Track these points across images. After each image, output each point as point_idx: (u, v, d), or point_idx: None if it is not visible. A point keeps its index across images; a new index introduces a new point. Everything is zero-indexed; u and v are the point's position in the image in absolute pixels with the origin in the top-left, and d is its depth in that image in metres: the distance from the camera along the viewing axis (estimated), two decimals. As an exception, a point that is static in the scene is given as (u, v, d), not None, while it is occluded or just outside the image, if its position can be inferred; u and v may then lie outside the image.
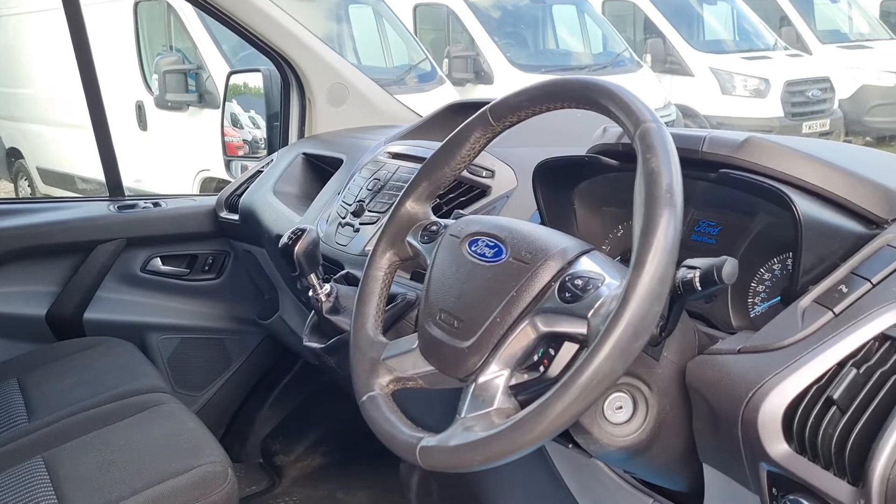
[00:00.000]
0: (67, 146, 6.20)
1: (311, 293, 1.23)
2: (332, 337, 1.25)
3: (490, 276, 0.85)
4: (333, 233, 1.47)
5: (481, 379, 0.82)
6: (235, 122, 2.84)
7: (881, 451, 0.68)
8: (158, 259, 2.18)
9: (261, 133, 3.22)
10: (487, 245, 0.88)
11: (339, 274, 1.34)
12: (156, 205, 2.18)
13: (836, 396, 0.74)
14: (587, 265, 0.81)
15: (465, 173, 1.27)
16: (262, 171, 2.13)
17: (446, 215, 1.07)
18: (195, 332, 2.24)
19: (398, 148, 1.55)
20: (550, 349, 0.81)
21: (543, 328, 0.79)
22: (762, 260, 0.99)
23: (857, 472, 0.71)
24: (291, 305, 2.02)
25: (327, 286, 1.23)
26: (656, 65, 8.85)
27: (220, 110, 4.86)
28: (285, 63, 2.16)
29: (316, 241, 1.20)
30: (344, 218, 1.47)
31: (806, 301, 0.84)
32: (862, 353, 0.77)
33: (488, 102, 1.73)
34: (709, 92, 8.79)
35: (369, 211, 1.41)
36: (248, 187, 2.10)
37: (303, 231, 1.19)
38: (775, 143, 0.91)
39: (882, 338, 0.77)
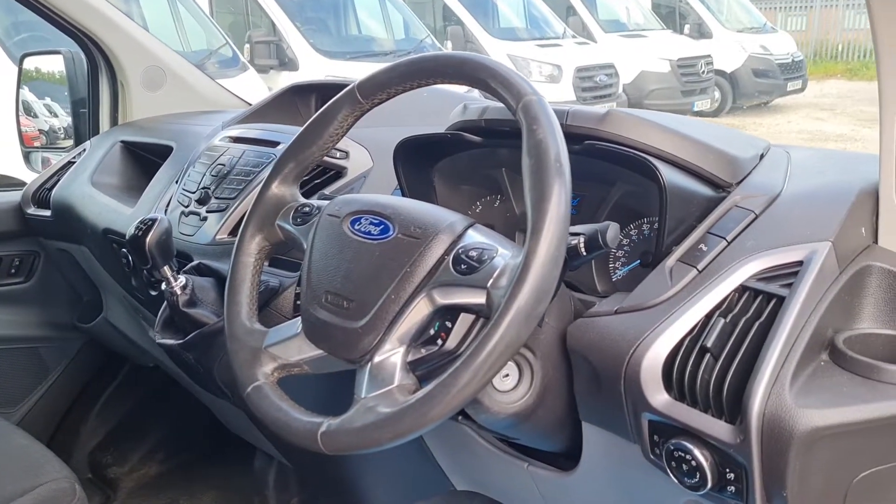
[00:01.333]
0: None
1: (164, 286, 1.15)
2: (187, 331, 1.18)
3: (378, 253, 0.84)
4: (176, 222, 1.38)
5: (377, 358, 0.81)
6: (28, 111, 2.59)
7: (755, 391, 0.75)
8: (-46, 264, 1.95)
9: (59, 122, 2.96)
10: (372, 223, 0.86)
11: (189, 265, 1.27)
12: (-52, 203, 1.94)
13: (709, 345, 0.81)
14: (476, 237, 0.82)
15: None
16: (73, 163, 1.95)
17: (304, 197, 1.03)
18: (4, 342, 2.02)
19: (239, 132, 1.48)
20: (447, 322, 0.82)
21: (440, 302, 0.80)
22: (623, 226, 1.05)
23: (734, 411, 0.78)
24: (119, 306, 1.88)
25: (182, 278, 1.15)
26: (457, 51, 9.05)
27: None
28: (93, 44, 1.99)
29: (169, 230, 1.12)
30: (187, 206, 1.38)
31: (671, 261, 0.90)
32: (726, 304, 0.84)
33: (331, 83, 1.70)
34: (507, 77, 9.10)
35: (216, 198, 1.34)
36: (59, 180, 1.92)
37: (153, 221, 1.11)
38: (634, 116, 0.97)
39: (741, 289, 0.84)
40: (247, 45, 7.51)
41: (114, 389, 2.19)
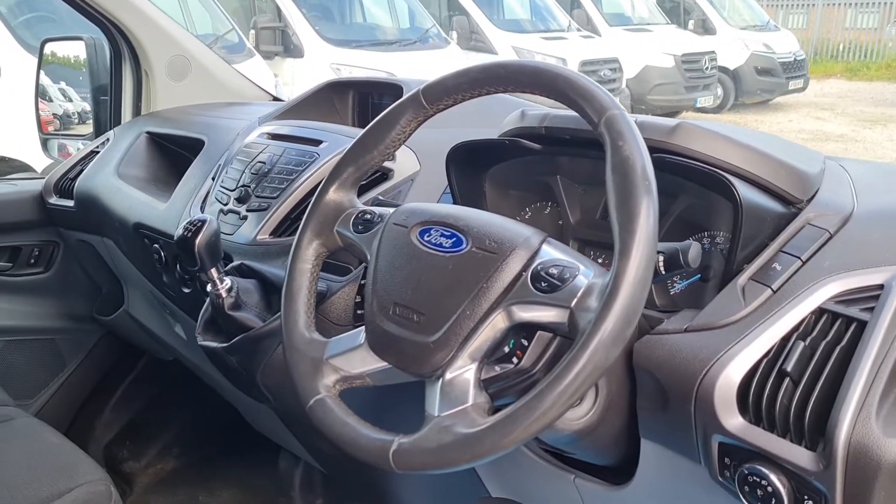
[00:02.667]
0: None
1: (209, 288, 1.13)
2: (231, 334, 1.15)
3: (452, 266, 0.81)
4: (214, 221, 1.35)
5: (449, 374, 0.79)
6: (43, 95, 2.55)
7: (841, 418, 0.74)
8: (-27, 253, 1.92)
9: (72, 106, 2.92)
10: (444, 235, 0.84)
11: (230, 266, 1.24)
12: (-33, 191, 1.91)
13: (788, 369, 0.79)
14: (552, 253, 0.80)
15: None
16: (97, 152, 1.92)
17: None
18: (21, 333, 1.99)
19: (278, 129, 1.45)
20: (522, 340, 0.80)
21: (518, 318, 0.78)
22: (680, 240, 1.03)
23: (814, 437, 0.77)
24: (141, 299, 1.86)
25: (227, 280, 1.13)
26: (462, 42, 9.03)
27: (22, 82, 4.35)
28: (118, 32, 1.96)
29: (217, 232, 1.10)
30: (226, 204, 1.35)
31: (743, 279, 0.88)
32: (803, 326, 0.83)
33: (369, 80, 1.67)
34: (511, 70, 9.06)
35: (257, 196, 1.31)
36: (83, 170, 1.89)
37: (203, 222, 1.08)
38: (705, 129, 0.95)
39: (819, 311, 0.83)
40: (252, 31, 7.44)
41: (130, 382, 2.17)
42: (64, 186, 1.91)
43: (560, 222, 1.17)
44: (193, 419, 2.12)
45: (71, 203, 1.86)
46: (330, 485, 1.70)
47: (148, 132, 1.86)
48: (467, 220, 0.84)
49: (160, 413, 2.15)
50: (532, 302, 0.77)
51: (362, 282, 1.10)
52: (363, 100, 1.61)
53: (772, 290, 0.86)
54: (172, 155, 1.82)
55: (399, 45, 8.14)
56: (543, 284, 0.76)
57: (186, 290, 1.43)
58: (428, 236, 0.85)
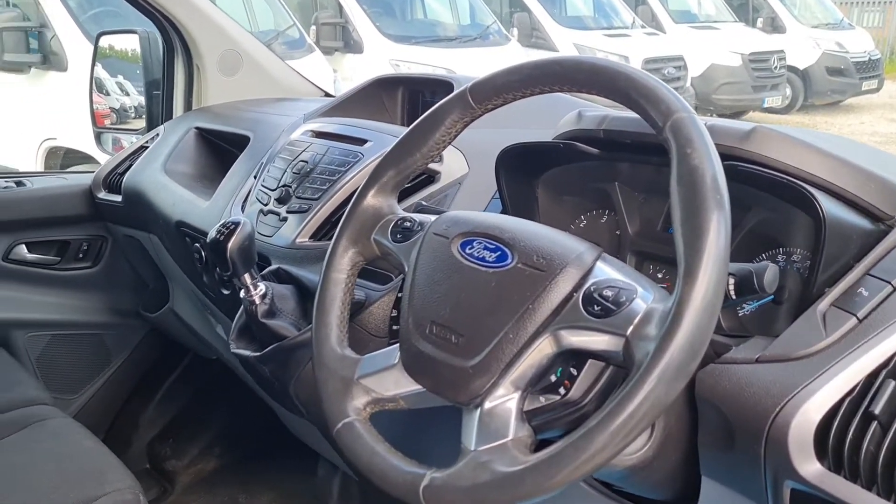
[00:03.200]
0: None
1: (242, 294, 1.07)
2: (264, 342, 1.10)
3: (495, 283, 0.74)
4: (254, 221, 1.30)
5: (489, 403, 0.72)
6: (101, 88, 2.56)
7: (941, 473, 0.64)
8: (23, 246, 1.91)
9: (129, 100, 2.94)
10: (487, 248, 0.76)
11: (267, 269, 1.19)
12: (19, 184, 1.90)
13: (876, 411, 0.69)
14: (607, 271, 0.72)
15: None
16: (146, 147, 1.90)
17: None
18: (68, 327, 1.99)
19: (323, 126, 1.39)
20: (571, 368, 0.72)
21: (567, 344, 0.70)
22: (751, 256, 0.94)
23: None
24: (185, 297, 1.83)
25: (261, 286, 1.07)
26: (522, 39, 8.92)
27: (65, 73, 4.44)
28: (170, 25, 1.93)
29: (251, 235, 1.04)
30: (266, 205, 1.30)
31: (824, 305, 0.78)
32: (893, 362, 0.73)
33: (419, 77, 1.60)
34: (572, 68, 8.94)
35: (297, 197, 1.25)
36: (131, 165, 1.86)
37: (236, 225, 1.03)
38: (783, 135, 0.85)
39: None
40: (313, 27, 7.46)
41: (174, 380, 2.15)
42: (112, 181, 1.89)
43: (617, 232, 1.08)
44: (235, 420, 2.09)
45: (119, 198, 1.84)
46: (368, 498, 1.64)
47: (197, 128, 1.82)
48: (513, 231, 0.76)
49: (202, 412, 2.12)
50: (583, 327, 0.69)
51: (399, 294, 1.03)
52: (413, 97, 1.54)
53: (857, 318, 0.76)
54: (220, 151, 1.78)
55: (459, 42, 8.08)
56: (596, 308, 0.68)
57: (226, 292, 1.38)
58: (470, 249, 0.78)
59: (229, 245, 1.01)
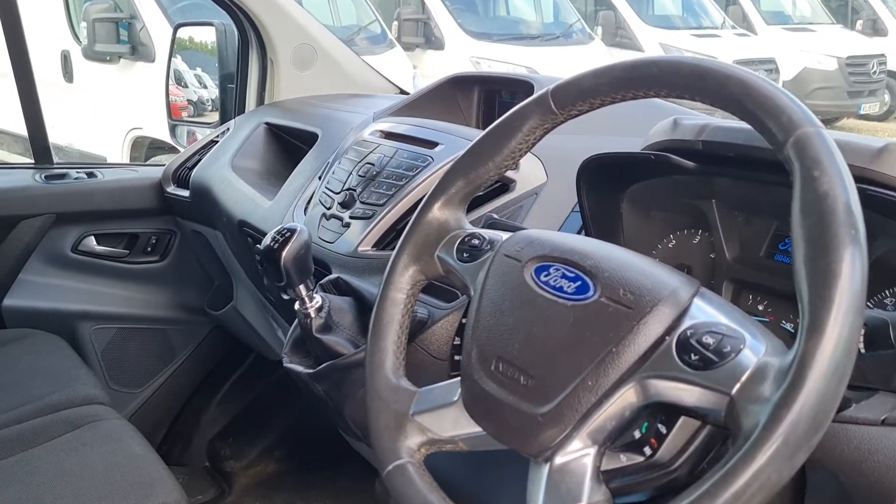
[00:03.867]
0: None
1: (297, 306, 1.00)
2: (319, 358, 1.02)
3: (573, 319, 0.63)
4: (316, 225, 1.23)
5: (560, 459, 0.62)
6: (179, 80, 2.55)
7: None
8: (93, 238, 1.90)
9: (207, 93, 2.93)
10: (565, 276, 0.66)
11: (326, 279, 1.11)
12: (90, 175, 1.89)
13: None
14: (706, 311, 0.61)
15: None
16: (216, 142, 1.86)
17: None
18: (134, 321, 1.97)
19: (393, 127, 1.31)
20: (659, 425, 0.61)
21: (655, 396, 0.59)
22: (872, 292, 0.81)
23: None
24: (248, 297, 1.78)
25: (318, 298, 1.00)
26: (607, 38, 8.72)
27: (153, 64, 4.50)
28: (245, 18, 1.89)
29: (308, 244, 0.96)
30: (329, 208, 1.23)
31: None
32: None
33: (496, 77, 1.50)
34: (658, 68, 8.72)
35: (362, 202, 1.18)
36: (200, 159, 1.83)
37: (291, 232, 0.95)
38: (923, 154, 0.72)
39: None
40: (395, 22, 7.44)
41: (237, 378, 2.11)
42: (181, 175, 1.86)
43: (711, 256, 0.96)
44: (295, 424, 2.04)
45: (186, 193, 1.81)
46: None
47: (267, 123, 1.77)
48: (597, 258, 0.66)
49: (264, 413, 2.08)
50: (677, 378, 0.58)
51: (464, 320, 0.94)
52: (489, 98, 1.44)
53: None
54: (289, 147, 1.73)
55: (541, 40, 7.95)
56: (694, 357, 0.57)
57: (286, 297, 1.32)
58: (545, 276, 0.68)
59: (283, 254, 0.94)
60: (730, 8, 10.13)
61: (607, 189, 0.97)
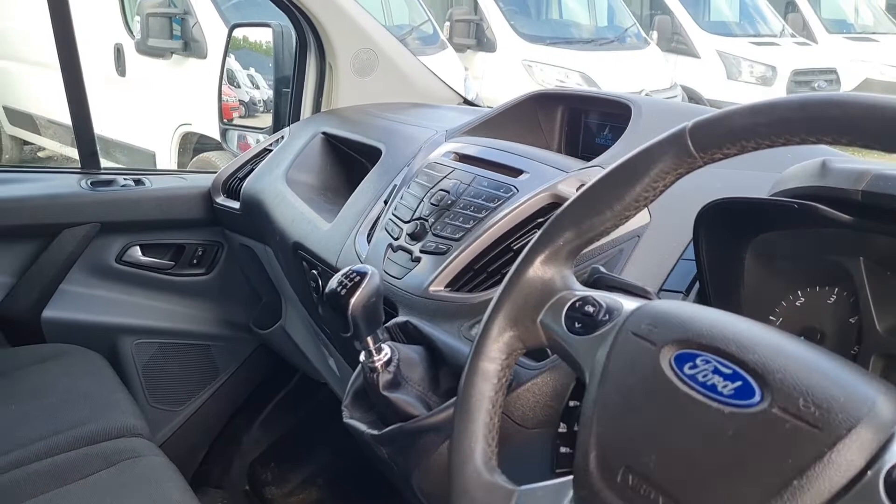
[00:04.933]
0: (39, 86, 5.71)
1: (363, 357, 0.87)
2: (384, 416, 0.90)
3: (733, 432, 0.50)
4: (381, 256, 1.11)
5: None
6: (232, 80, 2.45)
7: None
8: (138, 248, 1.80)
9: (259, 94, 2.83)
10: (718, 371, 0.52)
11: (392, 321, 0.99)
12: (138, 182, 1.79)
13: None
14: None
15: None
16: (270, 150, 1.75)
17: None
18: (177, 336, 1.87)
19: (467, 148, 1.18)
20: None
21: None
22: None
23: None
24: (298, 319, 1.67)
25: (386, 349, 0.87)
26: (662, 43, 8.52)
27: (204, 60, 4.45)
28: (305, 20, 1.78)
29: (379, 291, 0.84)
30: (396, 239, 1.10)
31: None
32: None
33: (583, 94, 1.36)
34: (714, 76, 8.54)
35: (434, 235, 1.05)
36: (252, 169, 1.72)
37: (361, 276, 0.83)
38: None
39: None
40: (447, 23, 7.33)
41: (281, 399, 2.00)
42: (232, 186, 1.75)
43: (851, 321, 0.81)
44: (340, 450, 1.92)
45: (237, 205, 1.70)
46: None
47: (324, 133, 1.66)
48: (763, 352, 0.52)
49: (308, 438, 1.97)
50: None
51: (572, 403, 0.80)
52: (574, 118, 1.30)
53: None
54: (349, 161, 1.61)
55: (595, 45, 7.77)
56: None
57: (345, 335, 1.20)
58: (692, 368, 0.54)
59: (352, 302, 0.81)
60: (789, 15, 9.87)
61: (730, 238, 0.83)
